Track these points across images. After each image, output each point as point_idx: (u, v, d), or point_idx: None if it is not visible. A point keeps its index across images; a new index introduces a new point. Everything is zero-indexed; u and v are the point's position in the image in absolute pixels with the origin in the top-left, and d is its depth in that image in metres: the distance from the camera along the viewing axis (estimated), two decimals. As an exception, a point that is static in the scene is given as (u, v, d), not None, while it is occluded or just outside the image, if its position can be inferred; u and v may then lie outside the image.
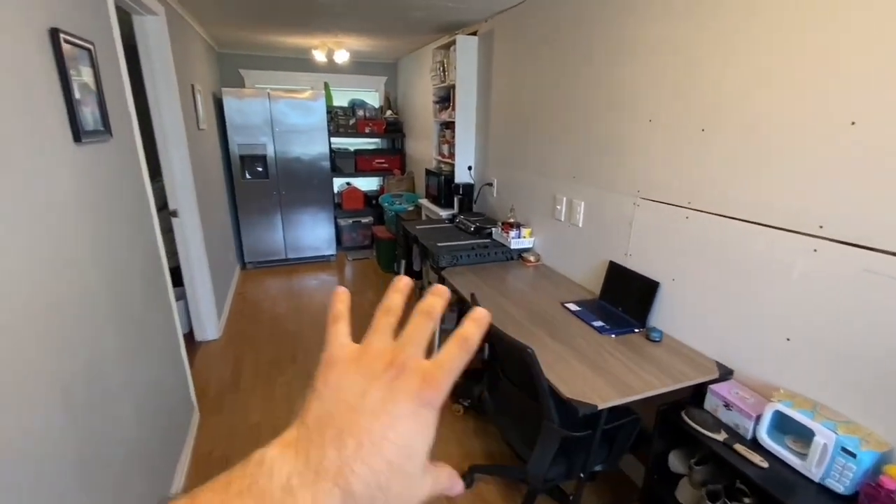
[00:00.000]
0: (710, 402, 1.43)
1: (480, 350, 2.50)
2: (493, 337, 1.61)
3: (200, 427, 2.29)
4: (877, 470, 1.08)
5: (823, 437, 1.13)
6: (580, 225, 2.23)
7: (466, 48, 3.07)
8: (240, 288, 4.14)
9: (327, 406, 0.25)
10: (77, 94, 1.33)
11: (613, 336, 1.71)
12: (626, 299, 1.89)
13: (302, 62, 4.95)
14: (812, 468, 1.15)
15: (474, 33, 3.12)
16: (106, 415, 1.33)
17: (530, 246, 2.63)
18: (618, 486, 1.95)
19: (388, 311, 0.31)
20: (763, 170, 1.35)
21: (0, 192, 0.97)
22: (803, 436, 1.20)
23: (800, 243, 1.27)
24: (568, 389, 1.37)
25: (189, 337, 3.11)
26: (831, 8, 1.14)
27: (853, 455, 1.09)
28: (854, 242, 1.15)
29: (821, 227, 1.22)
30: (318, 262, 4.85)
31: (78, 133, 1.32)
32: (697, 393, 1.49)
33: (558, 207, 2.39)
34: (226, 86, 4.60)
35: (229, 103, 4.10)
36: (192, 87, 3.16)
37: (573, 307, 1.94)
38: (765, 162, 1.34)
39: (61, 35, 1.25)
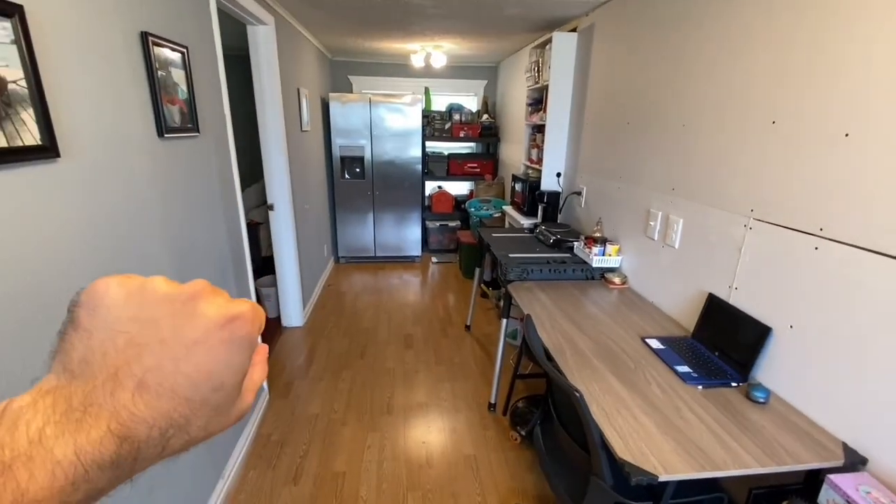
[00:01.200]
0: (825, 496, 1.06)
1: (545, 374, 2.25)
2: (544, 368, 1.41)
3: (267, 409, 2.42)
4: None
5: None
6: (676, 246, 1.89)
7: (563, 46, 2.84)
8: (330, 280, 4.38)
9: (97, 342, 0.21)
10: (163, 93, 1.45)
11: (700, 388, 1.39)
12: (725, 343, 1.53)
13: (404, 68, 5.10)
14: None
15: (574, 30, 2.88)
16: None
17: (616, 266, 2.32)
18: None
19: None
20: (940, 190, 0.96)
21: (88, 176, 1.08)
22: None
23: None
24: (623, 447, 1.12)
25: (276, 322, 3.36)
26: None
27: None
28: None
29: None
30: (404, 262, 4.95)
31: (162, 128, 1.44)
32: (809, 480, 1.12)
33: (652, 223, 2.06)
34: (337, 91, 4.94)
35: (334, 107, 4.37)
36: (298, 90, 3.41)
37: (655, 344, 1.64)
38: (944, 179, 0.95)
39: (150, 38, 1.38)
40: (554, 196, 3.05)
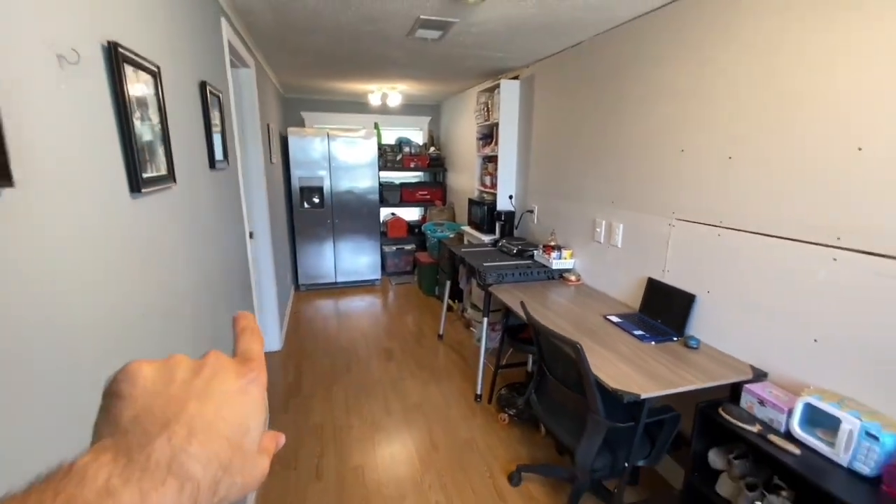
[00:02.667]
0: (745, 401, 1.56)
1: (524, 363, 2.67)
2: (541, 335, 1.81)
3: (270, 423, 2.53)
4: (901, 453, 1.19)
5: (849, 423, 1.26)
6: (619, 245, 2.43)
7: (509, 91, 3.41)
8: (294, 307, 4.47)
9: (143, 404, 0.24)
10: (213, 132, 1.69)
11: (653, 343, 1.88)
12: (664, 312, 2.06)
13: (354, 104, 5.47)
14: (840, 454, 1.28)
15: (515, 77, 3.47)
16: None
17: (571, 266, 2.83)
18: (658, 488, 2.05)
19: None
20: (785, 190, 1.54)
21: (185, 198, 1.30)
22: (831, 427, 1.32)
23: (820, 253, 1.44)
24: (613, 382, 1.54)
25: (254, 347, 3.42)
26: (829, 56, 1.36)
27: (876, 438, 1.21)
28: (867, 251, 1.31)
29: (838, 238, 1.39)
30: (365, 286, 5.17)
31: (213, 161, 1.68)
32: (733, 393, 1.63)
33: (598, 230, 2.60)
34: (290, 125, 5.16)
35: (293, 141, 4.59)
36: (268, 126, 3.63)
37: (615, 319, 2.12)
38: (786, 183, 1.53)
39: (208, 87, 1.63)
40: (509, 215, 3.56)
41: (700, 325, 1.91)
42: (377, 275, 5.21)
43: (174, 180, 1.23)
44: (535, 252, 2.99)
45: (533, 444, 2.37)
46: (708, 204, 1.85)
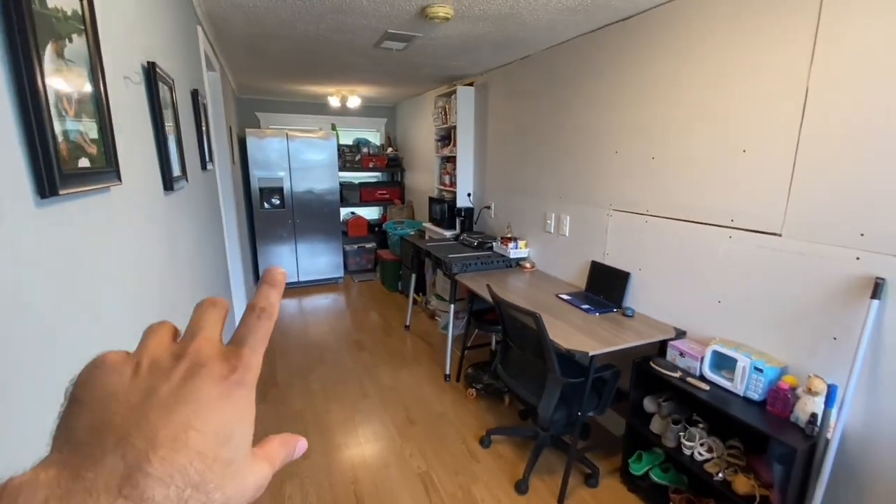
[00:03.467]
0: (669, 354, 1.93)
1: (486, 344, 2.97)
2: (504, 311, 2.10)
3: (251, 414, 2.65)
4: (777, 380, 1.59)
5: (743, 362, 1.64)
6: (567, 235, 2.78)
7: (465, 96, 3.70)
8: (259, 307, 4.51)
9: (100, 415, 0.21)
10: (204, 135, 1.83)
11: (597, 314, 2.22)
12: (605, 289, 2.42)
13: (311, 105, 5.55)
14: (737, 386, 1.66)
15: (471, 84, 3.76)
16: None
17: (526, 255, 3.16)
18: (606, 439, 2.41)
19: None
20: (694, 183, 1.92)
21: (194, 197, 1.45)
22: (731, 367, 1.70)
23: (720, 233, 1.82)
24: (567, 344, 1.86)
25: (224, 346, 3.47)
26: (719, 78, 1.75)
27: (762, 371, 1.60)
28: (751, 229, 1.71)
29: (732, 220, 1.78)
30: (328, 284, 5.27)
31: (204, 163, 1.81)
32: (661, 350, 2.00)
33: (548, 222, 2.94)
34: (244, 127, 5.15)
35: (252, 142, 4.62)
36: (230, 128, 3.68)
37: (565, 297, 2.45)
38: (695, 178, 1.92)
39: (199, 95, 1.77)
40: (469, 211, 3.85)
41: (635, 297, 2.29)
42: (340, 273, 5.33)
43: (187, 180, 1.39)
44: (494, 244, 3.30)
45: (499, 413, 2.67)
46: (638, 196, 2.22)
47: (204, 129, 1.95)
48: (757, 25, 1.63)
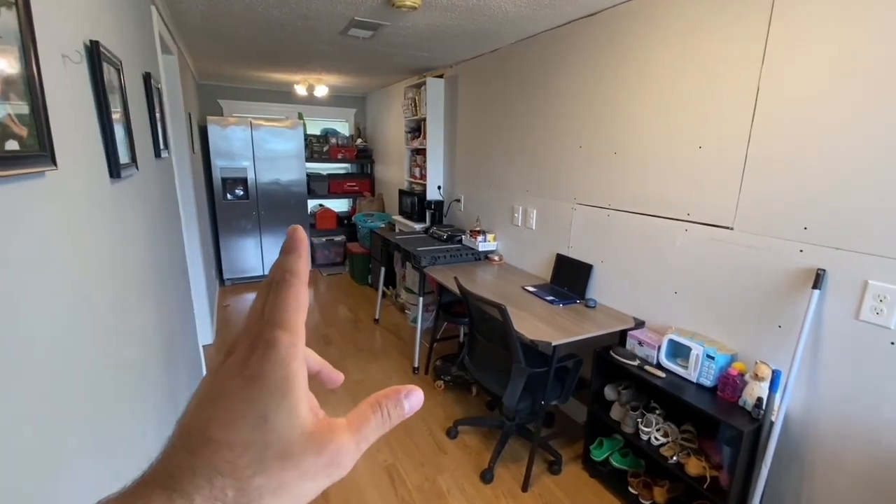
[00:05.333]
0: (629, 344, 2.00)
1: (455, 336, 2.98)
2: (471, 303, 2.11)
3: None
4: (727, 367, 1.67)
5: (696, 350, 1.71)
6: (533, 228, 2.82)
7: (435, 88, 3.68)
8: (222, 301, 4.38)
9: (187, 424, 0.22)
10: (158, 121, 1.74)
11: (561, 306, 2.27)
12: (570, 281, 2.47)
13: (277, 94, 5.39)
14: (691, 373, 1.73)
15: (440, 76, 3.74)
16: (153, 393, 1.69)
17: (495, 248, 3.19)
18: (569, 427, 2.47)
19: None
20: (653, 178, 1.98)
21: (143, 185, 1.38)
22: (686, 355, 1.78)
23: (677, 226, 1.89)
24: (531, 335, 1.89)
25: (184, 342, 3.36)
26: (679, 78, 1.81)
27: (713, 359, 1.68)
28: (706, 222, 1.78)
29: (688, 214, 1.85)
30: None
31: (158, 150, 1.73)
32: (621, 340, 2.06)
33: (516, 215, 2.97)
34: (205, 114, 4.95)
35: (213, 130, 4.44)
36: (189, 115, 3.53)
37: (531, 289, 2.49)
38: (653, 173, 1.98)
39: (152, 79, 1.68)
40: (438, 204, 3.84)
41: (597, 288, 2.35)
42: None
43: (137, 167, 1.32)
44: (464, 237, 3.31)
45: (466, 404, 2.69)
46: (601, 190, 2.28)
47: (158, 114, 1.86)
48: (713, 24, 1.69)
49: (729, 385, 1.63)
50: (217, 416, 0.21)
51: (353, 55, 3.33)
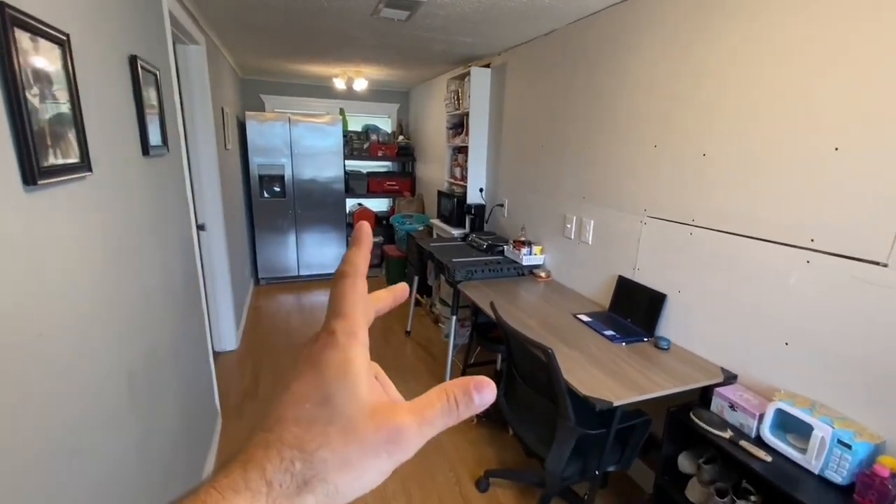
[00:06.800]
0: (716, 404, 1.53)
1: (493, 361, 2.59)
2: (511, 338, 1.73)
3: (223, 432, 2.36)
4: (871, 460, 1.18)
5: (821, 430, 1.23)
6: (590, 242, 2.37)
7: (480, 79, 3.29)
8: (254, 302, 4.25)
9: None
10: (147, 114, 1.49)
11: (624, 344, 1.83)
12: (634, 311, 2.01)
13: (319, 89, 5.21)
14: (812, 461, 1.25)
15: (487, 65, 3.35)
16: (159, 403, 1.44)
17: (541, 262, 2.77)
18: (629, 492, 2.02)
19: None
20: (758, 190, 1.50)
21: (104, 191, 1.12)
22: (803, 433, 1.30)
23: (794, 255, 1.40)
24: (584, 388, 1.47)
25: (208, 347, 3.21)
26: (810, 58, 1.32)
27: (849, 447, 1.19)
28: (842, 253, 1.28)
29: (812, 240, 1.35)
30: (330, 280, 4.96)
31: (146, 147, 1.48)
32: (704, 397, 1.60)
33: (568, 226, 2.53)
34: (247, 109, 4.85)
35: (251, 125, 4.31)
36: (223, 109, 3.37)
37: (585, 318, 2.06)
38: (760, 183, 1.49)
39: (139, 62, 1.43)
40: (480, 208, 3.46)
41: (670, 325, 1.88)
42: (343, 268, 5.01)
43: (90, 169, 1.05)
44: (506, 247, 2.91)
45: (501, 445, 2.31)
46: (682, 201, 1.81)
47: (156, 106, 1.62)
48: (867, -23, 1.19)
49: (874, 489, 1.14)
50: (287, 399, 0.23)
51: (389, 42, 3.02)
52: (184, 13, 2.27)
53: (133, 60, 1.41)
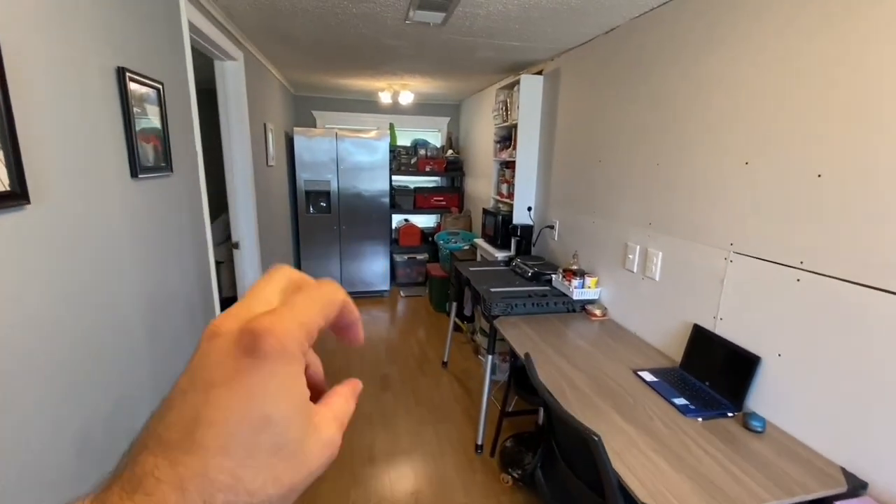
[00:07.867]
0: (839, 528, 1.09)
1: (534, 411, 2.21)
2: (550, 410, 1.38)
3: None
4: None
5: None
6: (657, 278, 1.95)
7: (531, 87, 2.97)
8: (294, 320, 4.17)
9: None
10: (138, 131, 1.35)
11: (700, 420, 1.41)
12: (715, 373, 1.58)
13: (370, 104, 5.14)
14: None
15: (539, 72, 3.03)
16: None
17: (596, 298, 2.37)
18: None
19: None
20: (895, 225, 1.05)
21: (58, 223, 0.96)
22: None
23: (976, 328, 0.95)
24: (643, 490, 1.10)
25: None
26: None
27: None
28: None
29: None
30: (372, 297, 4.82)
31: (135, 169, 1.33)
32: (819, 510, 1.15)
33: (630, 256, 2.13)
34: (300, 125, 4.88)
35: (299, 141, 4.29)
36: (265, 125, 3.32)
37: (648, 377, 1.66)
38: (913, 217, 1.05)
39: (128, 74, 1.29)
40: (527, 229, 3.11)
41: (766, 398, 1.43)
42: (386, 285, 4.85)
43: (26, 199, 0.88)
44: (554, 276, 2.54)
45: (540, 519, 1.93)
46: (783, 236, 1.37)
47: (158, 125, 1.49)
48: None
49: None
50: (206, 416, 0.18)
51: (428, 50, 2.79)
52: (214, 29, 2.18)
53: (121, 73, 1.27)
